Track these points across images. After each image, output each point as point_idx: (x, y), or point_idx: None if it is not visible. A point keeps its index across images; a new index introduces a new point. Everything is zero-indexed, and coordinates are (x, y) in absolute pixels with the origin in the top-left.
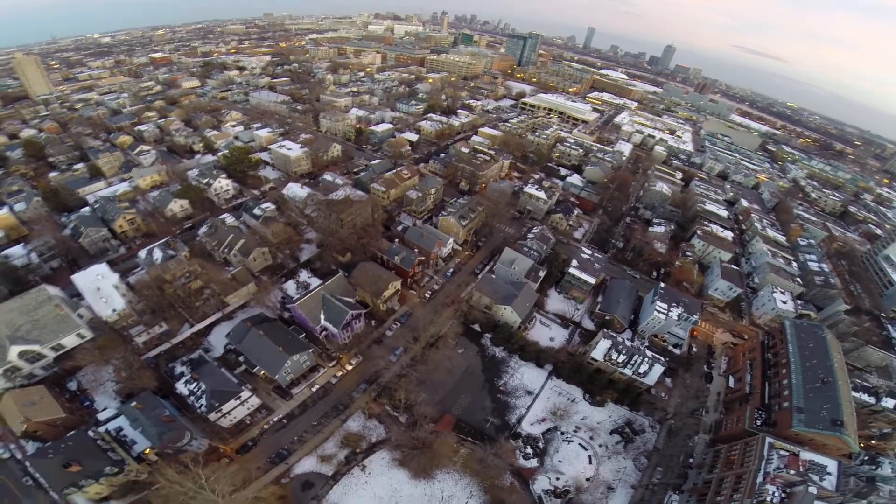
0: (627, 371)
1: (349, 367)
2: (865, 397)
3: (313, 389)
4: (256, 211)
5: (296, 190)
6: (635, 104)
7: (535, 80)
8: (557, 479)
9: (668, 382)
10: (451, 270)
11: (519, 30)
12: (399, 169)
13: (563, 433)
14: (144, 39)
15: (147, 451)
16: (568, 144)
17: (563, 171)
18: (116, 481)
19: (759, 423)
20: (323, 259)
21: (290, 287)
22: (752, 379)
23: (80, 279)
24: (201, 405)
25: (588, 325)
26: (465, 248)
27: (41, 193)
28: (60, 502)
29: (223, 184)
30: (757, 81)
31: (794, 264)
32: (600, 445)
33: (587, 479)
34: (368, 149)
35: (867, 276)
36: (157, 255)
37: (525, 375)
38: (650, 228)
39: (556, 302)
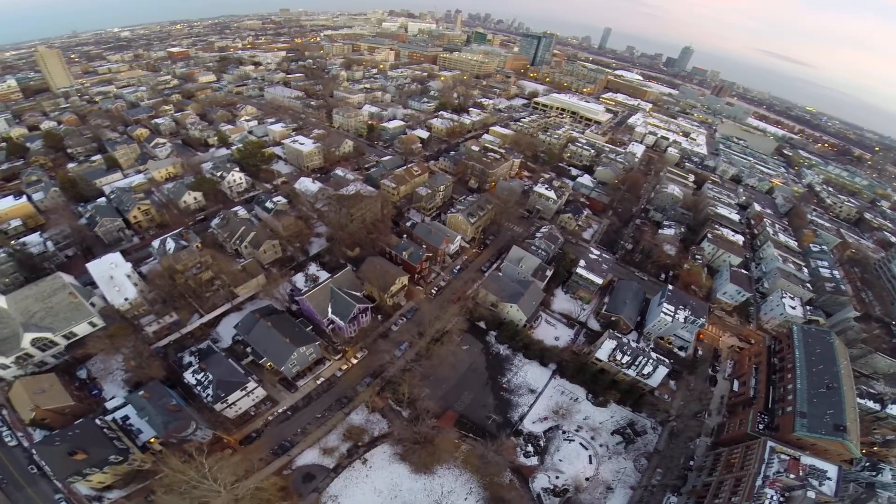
0: (631, 372)
1: (354, 361)
2: (870, 404)
3: (318, 382)
4: (268, 204)
5: (307, 184)
6: (650, 106)
7: (548, 79)
8: (557, 477)
9: (671, 385)
10: (458, 267)
11: (533, 29)
12: (409, 166)
13: (564, 432)
14: (162, 34)
15: (152, 440)
16: (580, 145)
17: (574, 172)
18: (120, 470)
19: (761, 426)
20: (332, 253)
21: (299, 280)
22: (756, 383)
23: (95, 267)
24: (208, 395)
25: (594, 325)
26: (473, 245)
27: (59, 184)
28: (63, 491)
29: (236, 177)
30: (778, 84)
31: (805, 270)
32: (601, 445)
33: (587, 479)
34: (380, 145)
35: (879, 284)
36: (170, 245)
37: (529, 373)
38: (660, 231)
39: (562, 301)
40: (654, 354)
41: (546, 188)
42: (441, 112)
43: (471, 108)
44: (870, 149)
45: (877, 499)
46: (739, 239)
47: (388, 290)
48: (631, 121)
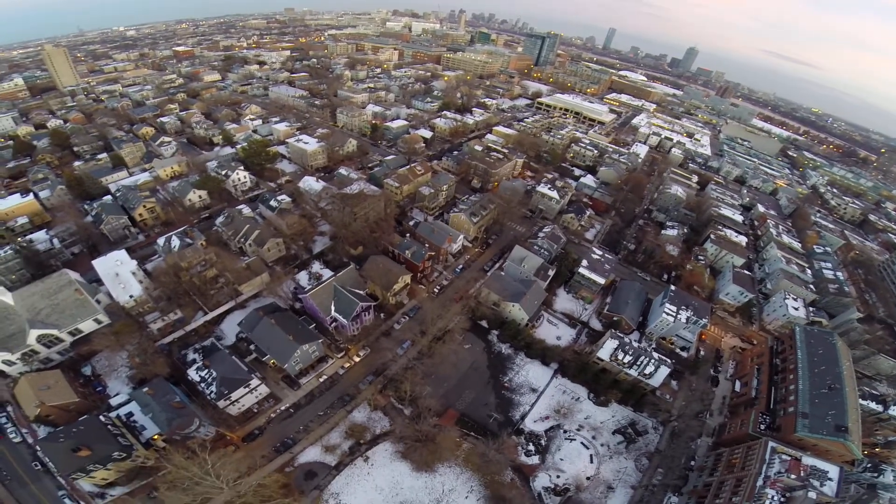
0: (633, 372)
1: (357, 359)
2: (873, 405)
3: (321, 380)
4: (272, 202)
5: (311, 183)
6: (654, 106)
7: (552, 80)
8: (558, 476)
9: (673, 385)
10: (461, 266)
11: (537, 29)
12: (413, 165)
13: (565, 431)
14: (168, 33)
15: (155, 437)
16: (583, 145)
17: (577, 172)
18: (123, 466)
19: (763, 427)
20: (335, 251)
21: (303, 278)
22: (758, 384)
23: (100, 265)
24: (211, 392)
25: (596, 325)
26: (476, 244)
27: (65, 181)
28: (67, 487)
29: (241, 176)
30: (781, 85)
31: (809, 271)
32: (602, 445)
33: (587, 478)
34: (383, 144)
35: (883, 286)
36: (175, 243)
37: (530, 373)
38: (663, 231)
39: (564, 301)
40: (655, 354)
41: (549, 188)
42: (444, 112)
43: (474, 108)
44: (876, 150)
45: (878, 500)
46: (743, 240)
47: (391, 289)
48: (635, 121)
